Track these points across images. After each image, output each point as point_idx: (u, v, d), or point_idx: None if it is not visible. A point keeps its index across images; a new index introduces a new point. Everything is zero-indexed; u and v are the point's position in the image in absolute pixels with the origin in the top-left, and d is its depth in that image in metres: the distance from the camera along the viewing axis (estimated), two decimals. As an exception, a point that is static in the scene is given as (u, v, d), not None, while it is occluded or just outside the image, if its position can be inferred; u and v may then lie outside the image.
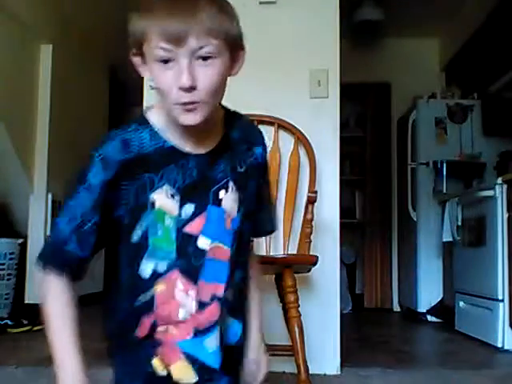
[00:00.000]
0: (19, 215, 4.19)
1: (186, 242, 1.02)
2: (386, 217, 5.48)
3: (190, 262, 1.02)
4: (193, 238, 1.02)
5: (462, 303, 3.78)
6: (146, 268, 1.01)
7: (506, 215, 3.22)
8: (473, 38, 4.55)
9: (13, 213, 4.21)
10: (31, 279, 3.91)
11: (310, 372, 2.05)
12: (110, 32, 4.31)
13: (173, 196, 1.01)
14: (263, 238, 2.38)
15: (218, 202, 1.04)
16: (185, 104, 0.96)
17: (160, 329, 1.01)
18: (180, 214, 1.01)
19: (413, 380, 2.45)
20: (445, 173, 4.37)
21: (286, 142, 2.50)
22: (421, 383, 2.43)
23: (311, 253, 2.19)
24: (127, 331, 1.03)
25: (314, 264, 2.08)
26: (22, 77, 4.02)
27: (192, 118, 0.97)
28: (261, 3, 2.61)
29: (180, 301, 1.01)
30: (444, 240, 4.06)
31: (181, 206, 1.01)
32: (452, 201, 4.00)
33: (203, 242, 1.03)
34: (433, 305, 4.40)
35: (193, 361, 1.02)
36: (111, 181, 0.98)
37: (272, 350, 2.20)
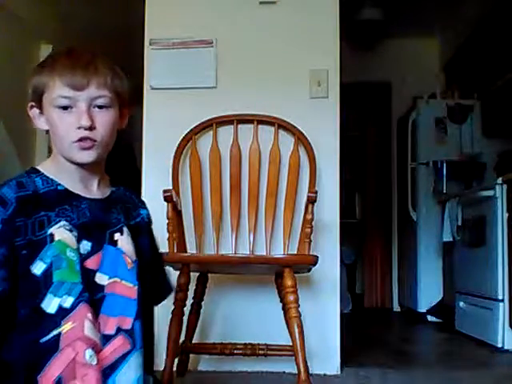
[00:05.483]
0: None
1: (87, 276, 1.07)
2: (386, 217, 5.48)
3: (91, 295, 1.06)
4: (91, 273, 1.08)
5: (461, 303, 3.78)
6: (51, 303, 1.02)
7: (506, 215, 3.22)
8: (473, 37, 4.55)
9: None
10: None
11: (310, 372, 2.04)
12: (110, 32, 4.32)
13: (71, 231, 1.07)
14: (263, 237, 2.40)
15: (114, 243, 1.13)
16: (82, 140, 1.07)
17: None
18: (79, 249, 1.07)
19: (413, 380, 2.44)
20: (445, 173, 4.37)
21: (286, 142, 2.50)
22: (421, 383, 2.43)
23: (311, 253, 2.19)
24: (27, 371, 1.00)
25: (314, 264, 2.08)
26: (22, 76, 4.00)
27: (87, 157, 1.10)
28: (261, 3, 2.61)
29: (88, 335, 1.02)
30: (444, 240, 4.06)
31: (78, 242, 1.08)
32: (452, 201, 3.99)
33: (100, 278, 1.09)
34: (433, 305, 4.40)
35: None
36: (10, 216, 1.03)
37: (272, 350, 2.22)
